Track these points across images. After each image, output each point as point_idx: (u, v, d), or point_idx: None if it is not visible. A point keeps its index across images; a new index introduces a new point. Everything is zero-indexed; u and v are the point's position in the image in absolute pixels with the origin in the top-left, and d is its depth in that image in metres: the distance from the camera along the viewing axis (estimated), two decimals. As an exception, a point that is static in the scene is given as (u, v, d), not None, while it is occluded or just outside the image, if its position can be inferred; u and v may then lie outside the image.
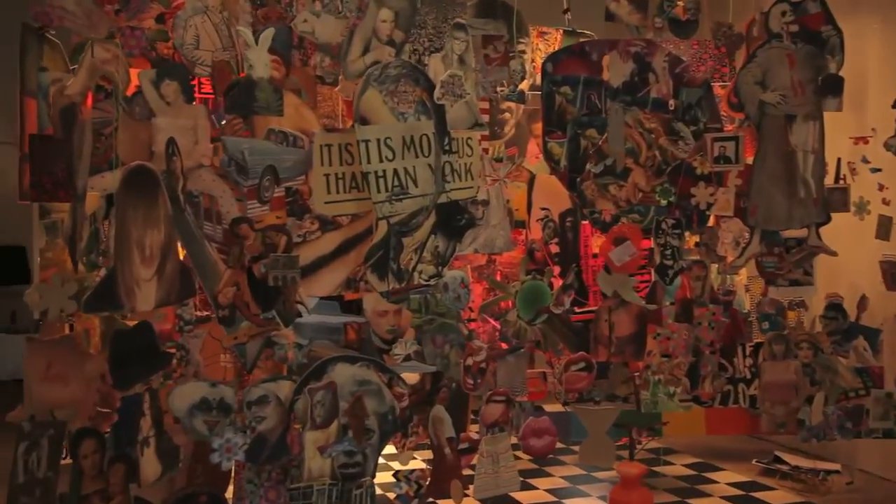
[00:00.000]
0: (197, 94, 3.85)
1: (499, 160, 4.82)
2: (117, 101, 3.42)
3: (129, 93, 3.55)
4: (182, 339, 3.48)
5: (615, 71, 4.48)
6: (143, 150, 3.47)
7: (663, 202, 4.46)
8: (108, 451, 2.91)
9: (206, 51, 3.62)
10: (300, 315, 3.49)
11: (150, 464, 2.97)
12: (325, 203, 3.51)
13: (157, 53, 3.79)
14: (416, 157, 3.50)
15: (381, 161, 3.40)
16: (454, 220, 3.66)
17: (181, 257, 3.27)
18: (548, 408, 4.38)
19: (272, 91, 3.37)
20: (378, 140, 3.39)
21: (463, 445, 3.91)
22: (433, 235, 3.61)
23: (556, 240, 4.83)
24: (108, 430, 3.05)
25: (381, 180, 3.40)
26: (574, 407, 4.13)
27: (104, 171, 3.26)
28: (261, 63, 3.34)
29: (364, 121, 3.40)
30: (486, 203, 4.32)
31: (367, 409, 3.35)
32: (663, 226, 4.48)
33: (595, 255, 5.02)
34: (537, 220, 4.87)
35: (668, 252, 4.52)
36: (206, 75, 3.67)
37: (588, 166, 4.19)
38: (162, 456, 3.03)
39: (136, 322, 3.29)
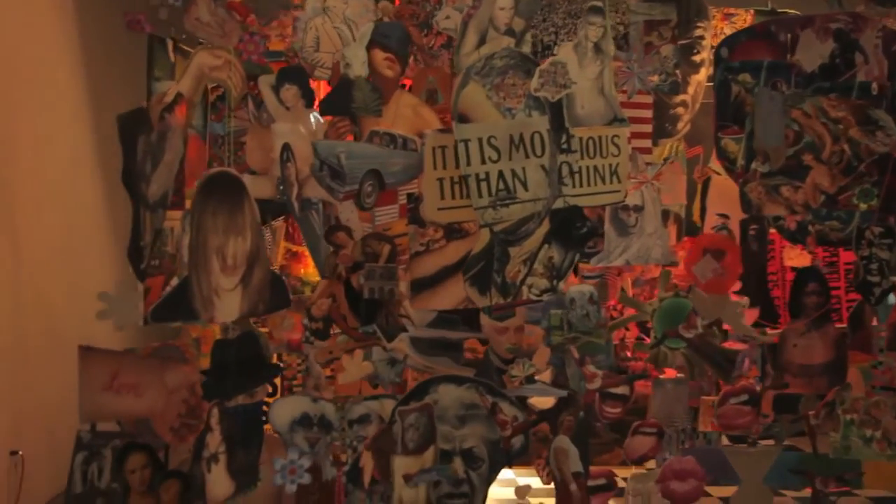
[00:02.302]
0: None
1: (666, 160, 4.31)
2: (230, 108, 3.39)
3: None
4: (306, 349, 3.39)
5: (810, 52, 3.80)
6: (268, 156, 3.41)
7: (863, 206, 3.73)
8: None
9: (326, 53, 3.48)
10: (405, 329, 3.24)
11: (219, 482, 2.85)
12: (439, 209, 3.22)
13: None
14: (527, 157, 3.13)
15: (483, 162, 3.06)
16: (573, 228, 3.23)
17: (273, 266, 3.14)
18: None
19: (370, 90, 3.16)
20: (480, 139, 3.06)
21: (598, 481, 3.46)
22: (546, 245, 3.21)
23: (733, 250, 4.20)
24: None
25: (484, 183, 3.07)
26: (724, 447, 3.54)
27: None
28: (358, 61, 3.16)
29: (464, 118, 3.09)
30: (639, 209, 3.85)
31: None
32: (868, 235, 3.75)
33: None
34: (712, 228, 4.28)
35: (875, 266, 3.78)
36: (325, 78, 3.54)
37: (754, 164, 3.57)
38: (236, 474, 2.91)
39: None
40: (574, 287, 3.37)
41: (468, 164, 3.05)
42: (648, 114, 4.03)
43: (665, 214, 4.17)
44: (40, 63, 3.52)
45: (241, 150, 3.72)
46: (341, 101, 3.18)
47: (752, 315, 3.92)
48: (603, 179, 3.49)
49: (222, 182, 2.92)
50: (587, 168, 3.47)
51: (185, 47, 3.72)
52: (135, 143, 2.73)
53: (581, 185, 3.46)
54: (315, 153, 3.11)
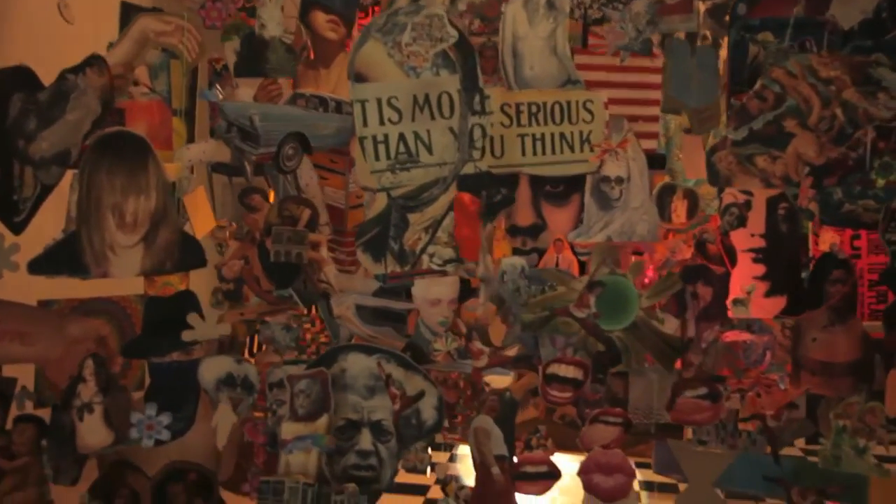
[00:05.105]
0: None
1: (688, 131, 3.91)
2: (183, 74, 3.46)
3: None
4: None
5: (849, 6, 3.30)
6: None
7: (881, 182, 3.20)
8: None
9: (290, 17, 3.46)
10: (323, 295, 3.19)
11: (94, 430, 2.94)
12: (372, 173, 3.11)
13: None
14: (433, 118, 2.95)
15: (381, 124, 2.92)
16: (486, 197, 3.01)
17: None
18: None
19: (284, 51, 3.11)
20: (378, 99, 2.92)
21: (539, 468, 3.24)
22: (452, 212, 3.01)
23: (751, 231, 3.73)
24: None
25: (382, 146, 2.93)
26: (671, 442, 3.18)
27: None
28: (273, 21, 3.11)
29: (361, 78, 2.95)
30: (621, 181, 3.53)
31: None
32: None
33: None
34: (725, 207, 3.81)
35: None
36: (289, 43, 3.52)
37: (725, 131, 3.15)
38: (114, 425, 2.99)
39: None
40: (506, 259, 3.14)
41: (364, 125, 2.92)
42: (655, 79, 3.67)
43: (671, 189, 3.79)
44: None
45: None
46: (255, 63, 3.14)
47: (776, 304, 3.50)
48: (571, 147, 3.26)
49: (121, 141, 2.99)
50: (552, 135, 3.25)
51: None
52: (6, 100, 2.85)
53: (545, 153, 3.25)
54: (221, 115, 3.10)
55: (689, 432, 3.74)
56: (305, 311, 3.25)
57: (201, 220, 3.50)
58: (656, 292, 3.13)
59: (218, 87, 3.17)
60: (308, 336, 3.48)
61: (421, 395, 3.01)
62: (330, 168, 3.35)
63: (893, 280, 3.29)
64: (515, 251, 3.35)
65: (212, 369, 3.25)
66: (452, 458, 4.84)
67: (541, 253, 3.42)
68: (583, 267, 3.37)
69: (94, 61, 3.05)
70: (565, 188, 3.37)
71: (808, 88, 3.05)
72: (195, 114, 3.79)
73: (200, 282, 3.46)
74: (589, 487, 3.08)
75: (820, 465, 3.19)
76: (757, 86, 3.10)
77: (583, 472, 3.10)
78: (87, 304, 3.20)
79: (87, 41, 3.31)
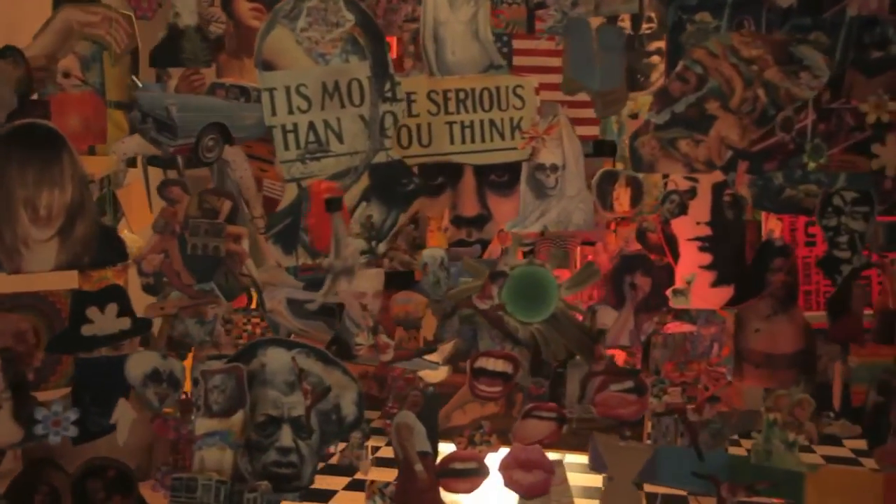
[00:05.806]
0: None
1: (633, 117, 3.83)
2: (112, 65, 3.43)
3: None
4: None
5: None
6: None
7: (812, 165, 3.12)
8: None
9: (216, 7, 3.42)
10: (245, 289, 3.15)
11: (2, 426, 2.92)
12: (282, 163, 3.07)
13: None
14: (343, 106, 2.90)
15: (290, 113, 2.88)
16: (397, 185, 2.96)
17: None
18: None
19: (199, 40, 3.07)
20: (287, 87, 2.88)
21: (468, 465, 3.17)
22: (364, 202, 2.96)
23: (695, 219, 3.64)
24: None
25: (291, 135, 2.88)
26: (597, 436, 3.10)
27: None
28: (187, 10, 3.07)
29: (269, 66, 2.91)
30: (556, 168, 3.46)
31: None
32: (836, 200, 3.16)
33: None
34: (666, 194, 3.72)
35: (844, 240, 3.18)
36: (220, 32, 3.48)
37: (648, 115, 3.07)
38: (24, 422, 2.96)
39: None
40: (427, 251, 3.09)
41: (273, 114, 2.87)
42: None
43: (611, 176, 3.71)
44: None
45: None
46: (171, 53, 3.11)
47: (723, 294, 3.41)
48: (501, 135, 3.21)
49: (32, 134, 2.96)
50: (481, 122, 3.19)
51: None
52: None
53: (475, 141, 3.20)
54: (137, 106, 3.07)
55: (648, 426, 3.68)
56: (251, 306, 3.22)
57: (137, 215, 3.48)
58: (575, 283, 3.05)
59: (134, 76, 3.14)
60: (258, 331, 3.44)
61: (327, 390, 2.95)
62: (268, 160, 3.30)
63: (830, 267, 3.21)
64: (461, 242, 3.29)
65: (138, 365, 3.22)
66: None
67: (485, 245, 3.36)
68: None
69: (8, 53, 3.02)
70: (509, 178, 3.32)
71: (729, 69, 2.97)
72: (137, 106, 3.76)
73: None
74: (509, 483, 3.01)
75: (752, 459, 3.11)
76: (679, 67, 3.03)
77: (502, 468, 3.03)
78: (10, 299, 3.17)
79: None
